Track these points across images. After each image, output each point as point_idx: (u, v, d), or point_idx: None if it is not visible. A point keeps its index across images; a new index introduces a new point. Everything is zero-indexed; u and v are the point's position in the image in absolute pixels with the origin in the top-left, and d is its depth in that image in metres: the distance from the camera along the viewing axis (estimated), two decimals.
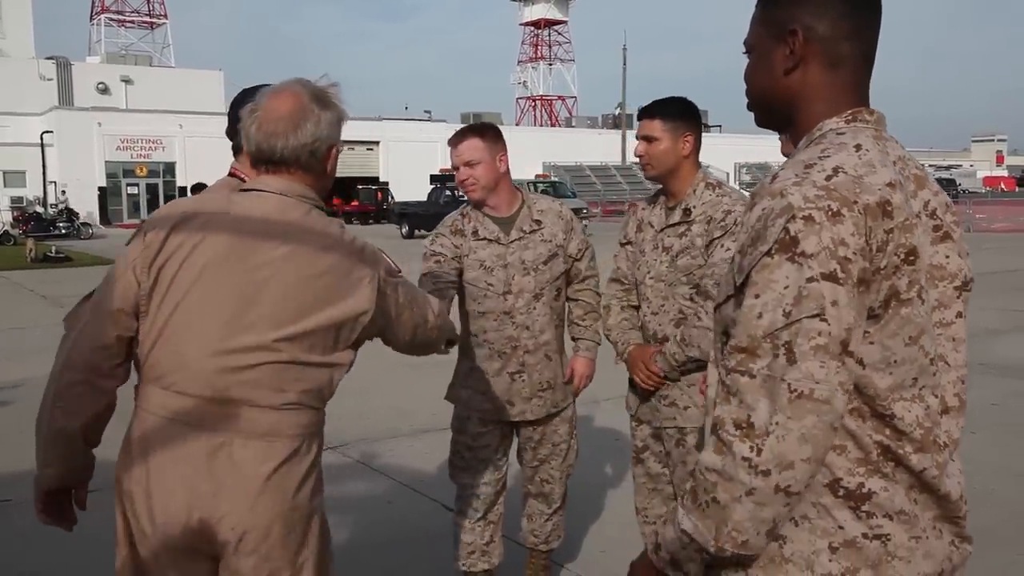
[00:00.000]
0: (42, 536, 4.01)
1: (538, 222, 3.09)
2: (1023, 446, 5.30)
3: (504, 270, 3.04)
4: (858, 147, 1.28)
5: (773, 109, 1.43)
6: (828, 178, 1.22)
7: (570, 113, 78.66)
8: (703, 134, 2.86)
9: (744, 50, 1.45)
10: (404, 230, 29.16)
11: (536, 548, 3.35)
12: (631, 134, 56.54)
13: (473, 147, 2.99)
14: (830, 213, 1.19)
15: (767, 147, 49.64)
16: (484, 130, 3.07)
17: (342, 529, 4.00)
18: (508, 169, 3.06)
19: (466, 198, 3.11)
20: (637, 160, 2.87)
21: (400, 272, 2.03)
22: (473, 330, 3.10)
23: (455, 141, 3.05)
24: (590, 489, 4.47)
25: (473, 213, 3.10)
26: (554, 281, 3.09)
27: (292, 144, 1.85)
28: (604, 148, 50.00)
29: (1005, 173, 78.48)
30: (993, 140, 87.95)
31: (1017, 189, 67.26)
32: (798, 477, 1.20)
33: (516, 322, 3.04)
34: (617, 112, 57.92)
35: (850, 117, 1.34)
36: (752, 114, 2.20)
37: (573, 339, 3.24)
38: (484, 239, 3.06)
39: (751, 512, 1.21)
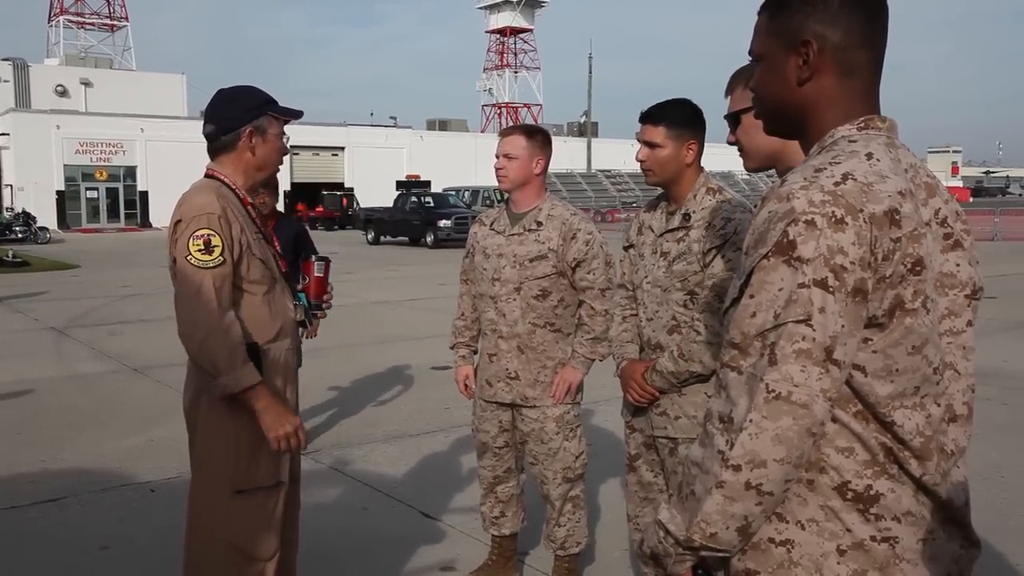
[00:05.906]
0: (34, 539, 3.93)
1: (540, 223, 3.27)
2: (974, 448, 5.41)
3: (498, 259, 3.31)
4: (869, 155, 1.27)
5: (786, 118, 1.40)
6: (837, 184, 1.21)
7: (536, 121, 78.89)
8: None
9: (751, 60, 1.44)
10: (369, 236, 29.01)
11: (554, 552, 3.47)
12: (596, 142, 56.54)
13: (515, 143, 3.26)
14: (833, 219, 1.18)
15: (736, 157, 50.17)
16: (533, 132, 3.32)
17: (318, 535, 3.96)
18: (543, 172, 3.31)
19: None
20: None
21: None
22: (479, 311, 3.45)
23: (505, 133, 3.33)
24: (603, 490, 4.44)
25: (503, 205, 3.41)
26: (538, 279, 3.25)
27: None
28: (570, 156, 50.15)
29: (960, 184, 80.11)
30: (948, 151, 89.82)
31: (971, 200, 68.64)
32: (770, 476, 1.20)
33: (497, 308, 3.31)
34: (582, 120, 58.20)
35: (862, 124, 1.33)
36: (734, 121, 2.26)
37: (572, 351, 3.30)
38: (494, 229, 3.37)
39: (720, 505, 1.23)
